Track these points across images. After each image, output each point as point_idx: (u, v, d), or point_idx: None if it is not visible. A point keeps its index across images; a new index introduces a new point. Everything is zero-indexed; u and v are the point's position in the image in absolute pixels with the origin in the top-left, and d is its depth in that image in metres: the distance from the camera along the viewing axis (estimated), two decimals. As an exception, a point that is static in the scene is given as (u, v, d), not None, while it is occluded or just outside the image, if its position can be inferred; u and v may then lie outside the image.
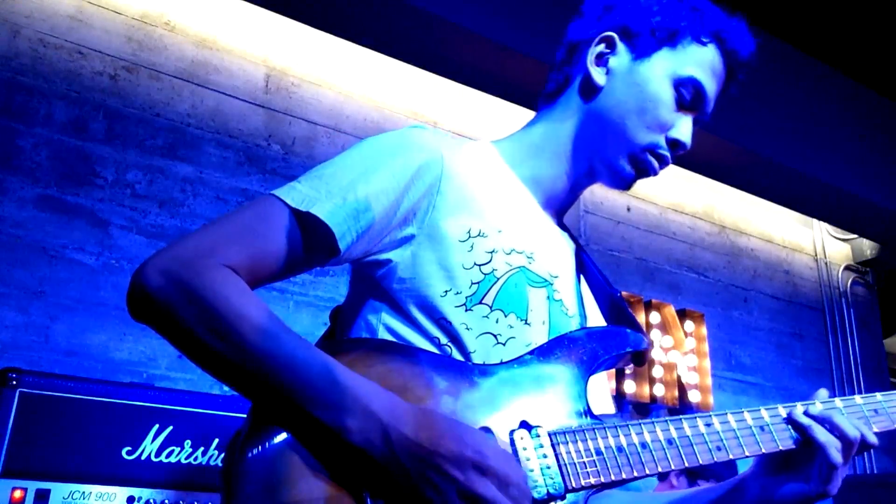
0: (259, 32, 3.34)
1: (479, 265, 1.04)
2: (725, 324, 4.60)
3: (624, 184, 1.20)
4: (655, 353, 4.00)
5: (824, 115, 4.65)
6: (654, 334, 4.03)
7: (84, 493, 1.85)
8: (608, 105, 1.17)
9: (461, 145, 1.14)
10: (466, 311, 1.03)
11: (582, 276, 1.25)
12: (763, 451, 1.07)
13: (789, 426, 1.09)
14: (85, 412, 1.89)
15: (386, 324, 1.05)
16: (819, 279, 5.23)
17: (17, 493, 1.80)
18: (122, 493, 1.89)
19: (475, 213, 1.07)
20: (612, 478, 0.97)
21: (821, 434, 1.06)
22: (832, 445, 1.05)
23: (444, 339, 1.02)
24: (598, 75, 1.18)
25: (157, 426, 1.95)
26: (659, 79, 1.15)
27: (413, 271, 1.04)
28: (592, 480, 0.96)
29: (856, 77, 4.89)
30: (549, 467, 0.95)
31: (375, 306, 1.07)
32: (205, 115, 3.14)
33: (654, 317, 4.06)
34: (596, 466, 0.97)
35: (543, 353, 1.04)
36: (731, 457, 1.04)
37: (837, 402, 1.13)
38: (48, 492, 1.82)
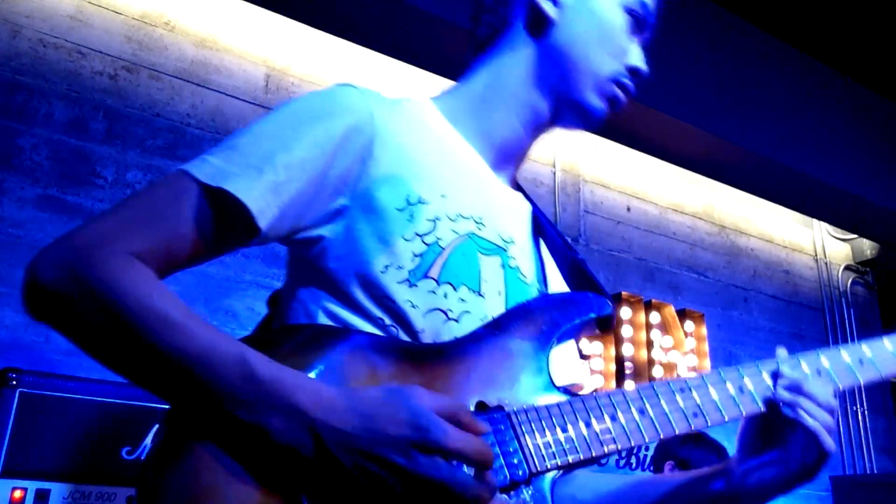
0: (259, 32, 3.34)
1: (421, 235, 0.94)
2: (725, 324, 4.60)
3: (594, 122, 1.10)
4: (655, 353, 4.00)
5: (824, 115, 4.65)
6: (655, 334, 4.03)
7: (84, 493, 1.85)
8: (567, 38, 1.08)
9: (395, 104, 1.03)
10: (411, 286, 0.92)
11: (540, 240, 1.15)
12: (744, 413, 0.99)
13: (769, 388, 1.01)
14: (85, 412, 1.89)
15: (325, 308, 0.95)
16: (819, 279, 5.23)
17: (17, 493, 1.80)
18: (122, 493, 1.89)
19: (413, 177, 0.97)
20: (581, 457, 0.89)
21: (806, 405, 0.99)
22: (820, 419, 0.98)
23: (388, 321, 0.92)
24: (549, 8, 1.08)
25: (157, 426, 1.95)
26: (611, 5, 1.09)
27: (348, 247, 0.94)
28: (559, 461, 0.88)
29: (855, 77, 4.89)
30: (511, 452, 0.86)
31: (312, 290, 0.97)
32: (205, 115, 3.14)
33: (654, 317, 4.05)
34: (563, 446, 0.89)
35: (499, 325, 0.95)
36: (709, 423, 0.97)
37: (823, 358, 1.07)
38: (48, 492, 1.82)
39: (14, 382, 1.83)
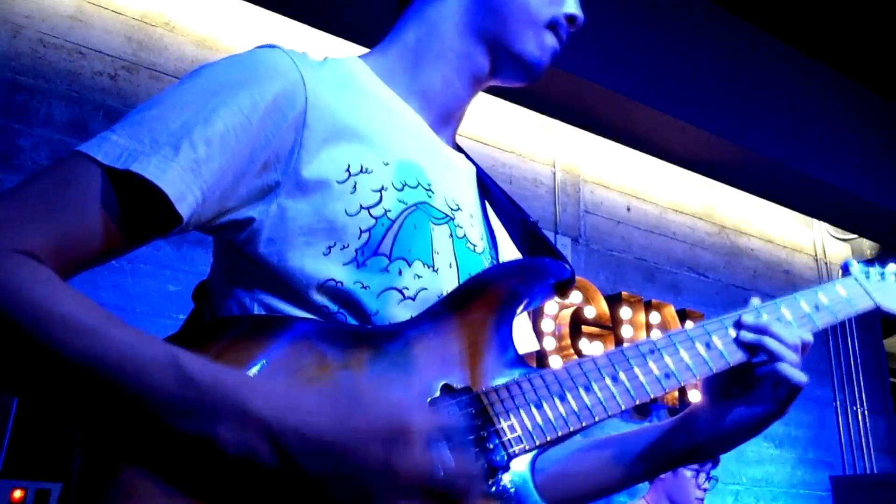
0: (259, 32, 3.34)
1: (368, 208, 0.85)
2: (725, 324, 4.60)
3: (533, 74, 1.02)
4: (655, 353, 4.00)
5: (824, 115, 4.65)
6: (655, 335, 4.03)
7: (84, 493, 1.85)
8: None
9: (323, 65, 0.93)
10: (359, 267, 0.84)
11: (487, 204, 1.07)
12: (714, 370, 0.98)
13: (736, 344, 1.02)
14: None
15: (261, 301, 0.85)
16: (819, 279, 5.23)
17: (17, 493, 1.80)
18: (123, 493, 1.89)
19: (353, 145, 0.87)
20: (559, 433, 0.84)
21: (772, 344, 1.00)
22: (787, 358, 0.99)
23: (333, 307, 0.83)
24: None
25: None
26: None
27: (283, 229, 0.83)
28: (537, 442, 0.83)
29: (855, 77, 4.89)
30: (485, 437, 0.80)
31: (244, 281, 0.86)
32: (205, 115, 3.14)
33: (654, 317, 4.05)
34: (539, 425, 0.84)
35: (455, 300, 0.87)
36: (681, 383, 0.96)
37: (783, 308, 1.07)
38: (48, 492, 1.82)
39: (14, 382, 1.84)
